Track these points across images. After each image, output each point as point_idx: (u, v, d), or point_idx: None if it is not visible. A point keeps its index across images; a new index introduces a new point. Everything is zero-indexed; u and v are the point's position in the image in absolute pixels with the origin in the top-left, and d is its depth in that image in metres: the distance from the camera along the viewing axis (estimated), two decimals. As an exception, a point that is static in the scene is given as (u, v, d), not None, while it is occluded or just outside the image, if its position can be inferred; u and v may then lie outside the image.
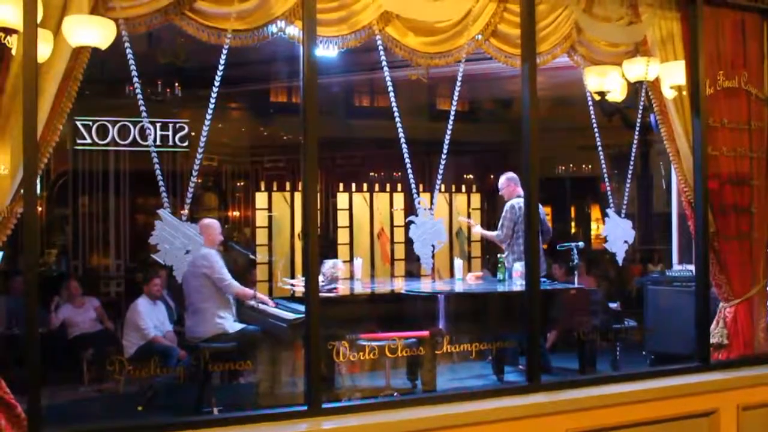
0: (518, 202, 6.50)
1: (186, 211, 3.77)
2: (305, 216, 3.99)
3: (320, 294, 4.19)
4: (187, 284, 5.62)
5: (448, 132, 4.46)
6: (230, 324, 5.59)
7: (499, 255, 6.36)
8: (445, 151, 4.50)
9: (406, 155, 4.35)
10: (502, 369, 5.96)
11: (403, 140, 4.34)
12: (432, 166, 7.10)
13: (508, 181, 6.77)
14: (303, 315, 4.87)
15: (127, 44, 3.65)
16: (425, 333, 4.93)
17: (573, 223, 13.18)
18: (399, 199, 7.84)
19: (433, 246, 4.19)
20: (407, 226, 4.64)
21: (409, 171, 4.36)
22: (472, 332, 5.09)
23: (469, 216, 7.46)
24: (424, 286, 6.28)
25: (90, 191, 10.15)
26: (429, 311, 5.35)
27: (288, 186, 7.51)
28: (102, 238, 10.08)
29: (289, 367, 5.76)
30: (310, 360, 3.94)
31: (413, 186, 4.32)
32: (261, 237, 7.21)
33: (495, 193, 7.66)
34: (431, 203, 4.41)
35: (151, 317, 6.28)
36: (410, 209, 6.01)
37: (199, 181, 6.42)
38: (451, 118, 4.42)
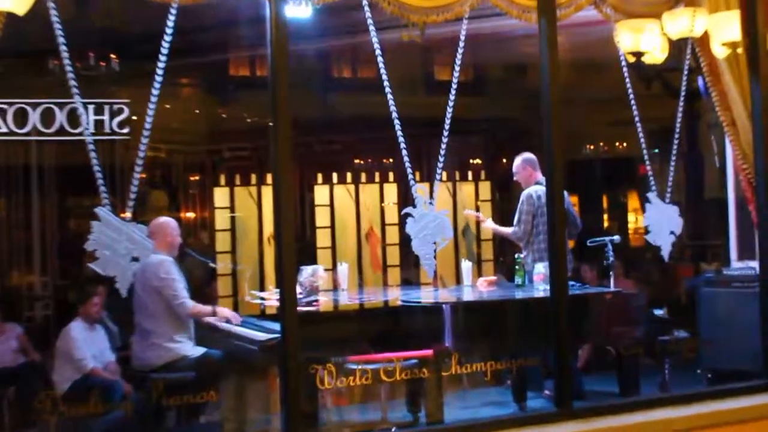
0: (537, 190, 6.50)
1: (129, 214, 3.79)
2: (277, 215, 4.03)
3: (298, 308, 4.21)
4: (135, 299, 5.63)
5: (450, 108, 4.51)
6: (188, 348, 5.60)
7: (516, 255, 6.41)
8: (446, 132, 4.54)
9: (399, 137, 4.40)
10: (524, 395, 5.99)
11: (395, 119, 4.39)
12: (431, 150, 7.15)
13: (524, 164, 6.77)
14: (277, 335, 4.90)
15: (51, 5, 3.66)
16: (428, 352, 4.96)
17: (606, 215, 13.25)
18: (391, 191, 7.89)
19: (435, 244, 4.23)
20: (403, 222, 4.67)
21: (405, 155, 4.41)
22: (485, 350, 5.12)
23: (477, 209, 7.50)
24: (425, 295, 6.31)
25: (7, 192, 10.10)
26: (432, 326, 5.38)
27: (254, 179, 7.52)
28: (24, 251, 10.04)
29: (262, 400, 5.77)
30: (287, 390, 3.97)
31: (409, 172, 4.36)
32: (222, 242, 7.23)
33: (509, 181, 7.72)
34: (431, 194, 4.45)
35: (88, 345, 6.27)
36: (406, 202, 6.05)
37: (144, 176, 6.40)
38: (453, 90, 4.46)
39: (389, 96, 4.32)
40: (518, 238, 6.63)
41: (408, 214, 4.30)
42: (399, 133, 4.41)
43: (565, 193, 6.67)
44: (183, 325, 5.67)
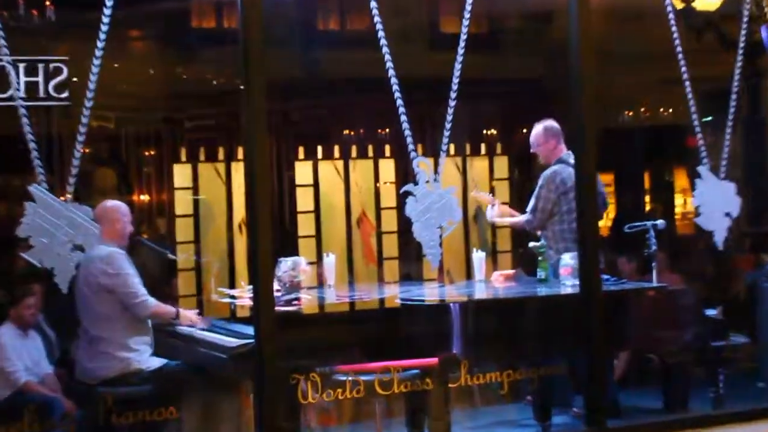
0: (562, 171, 6.49)
1: (70, 195, 3.82)
2: (251, 197, 4.06)
3: (276, 309, 4.24)
4: (78, 299, 5.64)
5: (458, 66, 4.53)
6: (145, 359, 5.62)
7: (539, 242, 6.43)
8: (453, 95, 4.56)
9: (398, 102, 4.42)
10: (548, 413, 6.02)
11: (393, 80, 4.41)
12: (436, 117, 7.14)
13: (545, 134, 6.72)
14: (251, 340, 4.93)
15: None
16: (432, 360, 5.00)
17: (647, 196, 13.24)
18: (388, 168, 7.92)
19: (440, 229, 4.27)
20: (402, 203, 4.69)
21: (404, 123, 4.44)
22: (501, 358, 5.16)
23: (491, 191, 7.53)
24: (429, 293, 6.35)
25: None
26: (437, 329, 5.40)
27: (222, 154, 7.54)
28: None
29: (233, 419, 5.80)
30: (262, 406, 4.01)
31: (410, 142, 4.40)
32: (183, 230, 7.26)
33: (530, 155, 7.74)
34: (436, 169, 4.48)
35: (20, 354, 6.28)
36: (405, 181, 6.07)
37: (88, 150, 6.37)
38: (462, 45, 4.48)
39: (385, 53, 4.35)
40: (533, 228, 6.63)
41: (408, 193, 4.34)
42: (398, 96, 4.45)
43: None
44: (140, 329, 5.69)
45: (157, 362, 5.64)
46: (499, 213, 7.04)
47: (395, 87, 4.43)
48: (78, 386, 5.69)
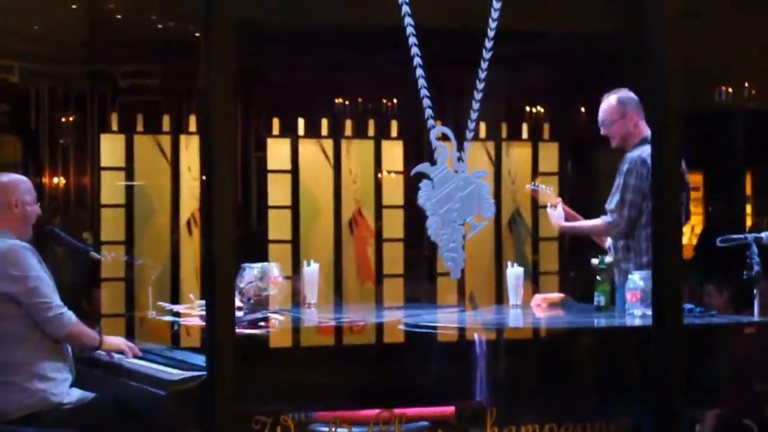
0: (648, 152, 6.44)
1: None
2: (210, 184, 4.06)
3: (237, 331, 4.25)
4: None
5: (494, 18, 4.55)
6: (63, 390, 5.60)
7: (598, 257, 6.45)
8: (486, 58, 4.58)
9: (415, 57, 4.44)
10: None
11: (409, 29, 4.41)
12: (461, 86, 7.18)
13: (621, 108, 6.63)
14: (199, 372, 4.96)
15: None
16: (447, 409, 5.03)
17: (749, 203, 13.19)
18: (394, 152, 7.97)
19: (465, 226, 4.29)
20: (412, 193, 4.68)
21: (422, 83, 4.46)
22: (541, 409, 5.17)
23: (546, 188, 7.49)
24: (445, 318, 6.37)
25: None
26: (455, 368, 5.43)
27: (167, 123, 7.58)
28: None
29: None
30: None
31: (427, 107, 4.42)
32: (112, 225, 7.30)
33: (589, 141, 7.76)
34: (461, 146, 4.51)
35: None
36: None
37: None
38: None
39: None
40: (620, 231, 6.51)
41: (423, 175, 4.35)
42: (414, 51, 4.46)
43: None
44: (56, 351, 5.66)
45: (78, 395, 5.63)
46: (563, 216, 6.94)
47: (411, 36, 4.44)
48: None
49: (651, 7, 4.61)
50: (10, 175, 5.91)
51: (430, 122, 4.40)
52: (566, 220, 6.92)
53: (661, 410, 4.74)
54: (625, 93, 6.63)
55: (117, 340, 5.88)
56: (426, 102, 4.38)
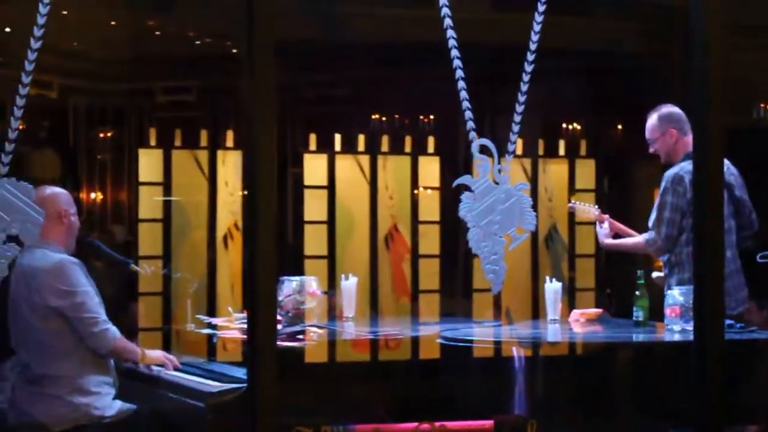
0: (690, 170, 6.42)
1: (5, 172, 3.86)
2: (251, 199, 4.06)
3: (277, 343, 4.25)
4: (14, 322, 5.66)
5: (535, 34, 4.54)
6: (105, 404, 5.61)
7: (639, 272, 6.42)
8: (527, 73, 4.57)
9: (458, 69, 4.42)
10: None
11: (451, 41, 4.41)
12: (498, 102, 7.17)
13: (661, 125, 6.64)
14: (238, 384, 4.98)
15: None
16: (486, 423, 5.02)
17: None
18: (430, 168, 7.96)
19: (506, 238, 4.26)
20: (449, 212, 4.68)
21: (463, 94, 4.44)
22: (583, 423, 5.15)
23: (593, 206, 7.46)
24: (483, 333, 6.37)
25: None
26: (494, 382, 5.45)
27: (205, 139, 7.59)
28: None
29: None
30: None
31: (469, 118, 4.40)
32: (149, 240, 7.32)
33: (627, 158, 7.73)
34: (502, 156, 4.49)
35: None
36: (451, 189, 6.08)
37: (23, 126, 6.42)
38: (542, 5, 4.50)
39: (443, 7, 4.35)
40: (657, 249, 6.50)
41: (464, 187, 4.33)
42: (457, 64, 4.43)
43: (736, 171, 6.72)
44: (100, 366, 5.65)
45: (119, 407, 5.64)
46: (609, 233, 6.90)
47: (453, 49, 4.42)
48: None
49: (695, 24, 4.60)
50: (54, 187, 5.90)
51: (472, 134, 4.39)
52: (616, 234, 6.93)
53: (701, 426, 4.71)
54: (668, 109, 6.64)
55: (157, 354, 5.88)
56: (468, 114, 4.37)
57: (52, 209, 5.67)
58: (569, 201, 7.45)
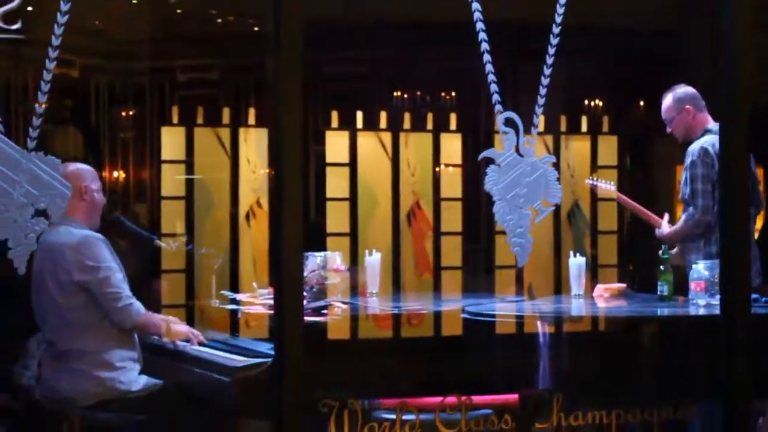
0: (713, 143, 6.43)
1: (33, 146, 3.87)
2: (278, 175, 4.07)
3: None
4: (39, 298, 5.65)
5: (561, 10, 4.54)
6: (130, 378, 5.62)
7: (662, 248, 6.43)
8: (552, 51, 4.56)
9: (483, 44, 4.41)
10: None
11: (478, 20, 4.40)
12: (521, 79, 7.14)
13: (677, 105, 6.69)
14: (264, 359, 4.98)
15: None
16: (510, 397, 5.02)
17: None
18: (452, 145, 7.96)
19: (533, 211, 4.26)
20: (471, 189, 4.69)
21: (489, 68, 4.43)
22: (608, 396, 5.15)
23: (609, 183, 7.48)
24: (507, 307, 6.39)
25: None
26: (518, 357, 5.45)
27: (227, 116, 7.59)
28: None
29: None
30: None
31: (495, 92, 4.39)
32: (172, 218, 7.33)
33: (648, 135, 7.71)
34: (529, 130, 4.49)
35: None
36: (474, 165, 6.03)
37: (46, 105, 6.43)
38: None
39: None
40: (696, 222, 6.44)
41: (490, 161, 4.32)
42: (481, 31, 4.42)
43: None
44: (125, 341, 5.66)
45: (145, 382, 5.66)
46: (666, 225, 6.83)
47: (479, 22, 4.41)
48: (39, 411, 5.70)
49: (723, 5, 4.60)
50: (77, 164, 5.91)
51: (498, 107, 4.38)
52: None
53: (728, 399, 4.70)
54: (681, 89, 6.69)
55: (182, 328, 5.88)
56: (493, 87, 4.36)
57: (74, 185, 5.66)
58: (594, 178, 7.45)
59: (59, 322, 5.61)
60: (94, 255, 5.54)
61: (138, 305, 5.57)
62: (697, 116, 6.60)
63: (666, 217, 6.87)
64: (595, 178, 7.33)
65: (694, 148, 6.51)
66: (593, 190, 7.63)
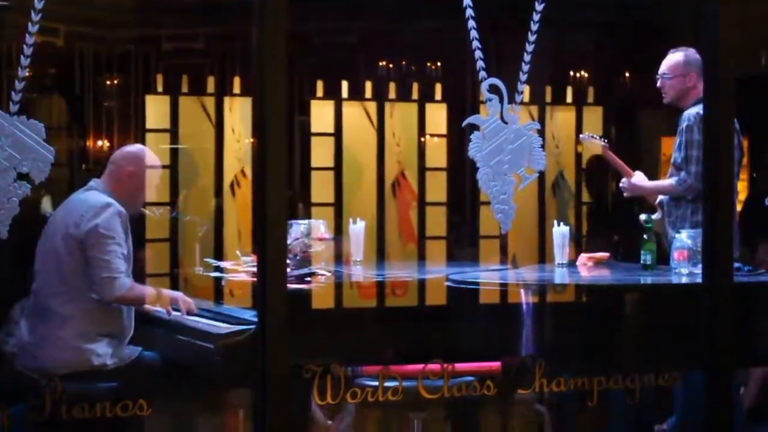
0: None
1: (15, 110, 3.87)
2: (261, 144, 4.07)
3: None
4: (45, 248, 5.66)
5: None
6: (107, 351, 5.60)
7: (645, 215, 6.44)
8: (536, 20, 4.57)
9: (468, 9, 4.40)
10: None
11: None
12: (505, 50, 7.13)
13: (686, 66, 6.62)
14: (247, 326, 5.01)
15: None
16: (494, 364, 5.06)
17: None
18: (437, 115, 7.94)
19: (516, 177, 4.26)
20: (455, 160, 4.69)
21: (474, 34, 4.43)
22: (587, 367, 5.17)
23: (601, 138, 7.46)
24: (490, 276, 6.42)
25: None
26: (502, 324, 5.47)
27: (211, 85, 7.56)
28: None
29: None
30: (265, 411, 4.02)
31: (479, 58, 4.39)
32: (156, 186, 7.30)
33: (635, 106, 7.70)
34: (513, 97, 4.48)
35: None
36: (459, 134, 6.03)
37: (29, 70, 6.40)
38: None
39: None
40: (688, 188, 6.39)
41: (473, 127, 4.33)
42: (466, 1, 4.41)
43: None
44: (110, 315, 5.61)
45: (123, 355, 5.65)
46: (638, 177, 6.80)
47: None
48: (18, 378, 5.68)
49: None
50: (143, 148, 6.14)
51: (482, 74, 4.38)
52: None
53: (710, 367, 4.72)
54: (693, 53, 6.59)
55: (177, 295, 5.85)
56: (478, 54, 4.35)
57: (124, 167, 5.78)
58: (578, 139, 7.50)
59: (53, 282, 5.61)
60: (107, 221, 5.57)
61: (123, 282, 5.54)
62: (696, 86, 6.51)
63: (640, 173, 6.87)
64: (587, 133, 7.32)
65: (691, 112, 6.49)
66: (577, 164, 7.71)
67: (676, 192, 6.54)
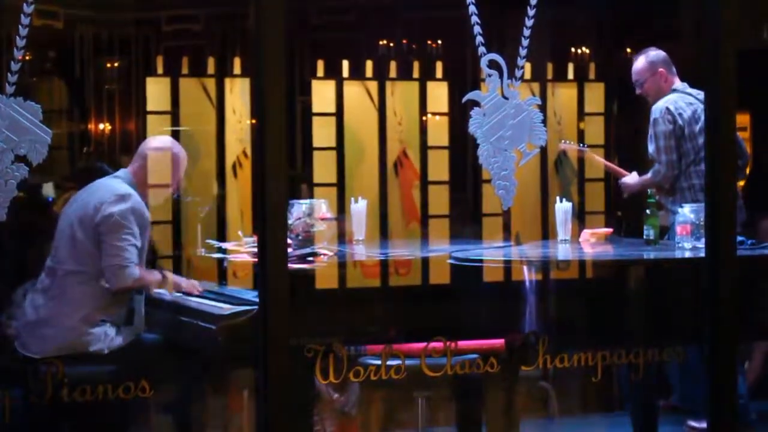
0: (676, 101, 6.77)
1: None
2: (260, 124, 4.04)
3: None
4: (63, 227, 5.70)
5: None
6: (111, 334, 5.61)
7: (650, 192, 6.47)
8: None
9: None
10: (653, 425, 6.05)
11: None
12: (506, 28, 7.10)
13: (651, 67, 6.97)
14: (249, 306, 5.00)
15: None
16: (497, 341, 5.03)
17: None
18: (439, 93, 7.91)
19: (517, 154, 4.24)
20: (457, 139, 4.66)
21: (473, 11, 4.40)
22: (591, 343, 5.16)
23: (582, 145, 7.64)
24: (494, 253, 6.41)
25: None
26: (505, 301, 5.48)
27: (212, 66, 7.54)
28: None
29: (222, 414, 5.84)
30: (267, 390, 4.01)
31: (478, 34, 4.36)
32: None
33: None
34: (513, 72, 4.46)
35: None
36: (461, 111, 6.00)
37: (29, 57, 6.36)
38: None
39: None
40: (663, 177, 6.77)
41: (474, 103, 4.30)
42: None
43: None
44: (115, 302, 5.66)
45: (121, 341, 5.65)
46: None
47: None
48: (16, 362, 5.68)
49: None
50: (174, 143, 6.23)
51: (481, 49, 4.35)
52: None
53: (713, 342, 4.71)
54: (654, 51, 7.01)
55: (183, 281, 5.90)
56: (477, 29, 4.33)
57: (161, 163, 6.00)
58: (567, 141, 7.63)
59: (68, 260, 5.65)
60: (124, 211, 5.64)
61: (132, 271, 5.57)
62: (668, 80, 6.95)
63: (634, 173, 7.14)
64: (566, 141, 7.67)
65: (657, 106, 6.87)
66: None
67: (655, 183, 6.83)
